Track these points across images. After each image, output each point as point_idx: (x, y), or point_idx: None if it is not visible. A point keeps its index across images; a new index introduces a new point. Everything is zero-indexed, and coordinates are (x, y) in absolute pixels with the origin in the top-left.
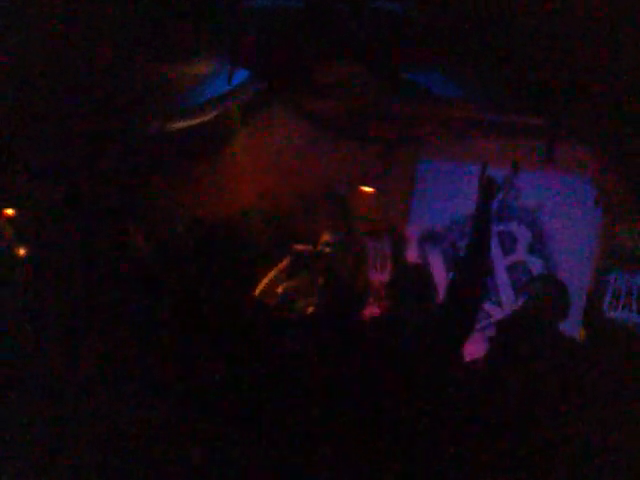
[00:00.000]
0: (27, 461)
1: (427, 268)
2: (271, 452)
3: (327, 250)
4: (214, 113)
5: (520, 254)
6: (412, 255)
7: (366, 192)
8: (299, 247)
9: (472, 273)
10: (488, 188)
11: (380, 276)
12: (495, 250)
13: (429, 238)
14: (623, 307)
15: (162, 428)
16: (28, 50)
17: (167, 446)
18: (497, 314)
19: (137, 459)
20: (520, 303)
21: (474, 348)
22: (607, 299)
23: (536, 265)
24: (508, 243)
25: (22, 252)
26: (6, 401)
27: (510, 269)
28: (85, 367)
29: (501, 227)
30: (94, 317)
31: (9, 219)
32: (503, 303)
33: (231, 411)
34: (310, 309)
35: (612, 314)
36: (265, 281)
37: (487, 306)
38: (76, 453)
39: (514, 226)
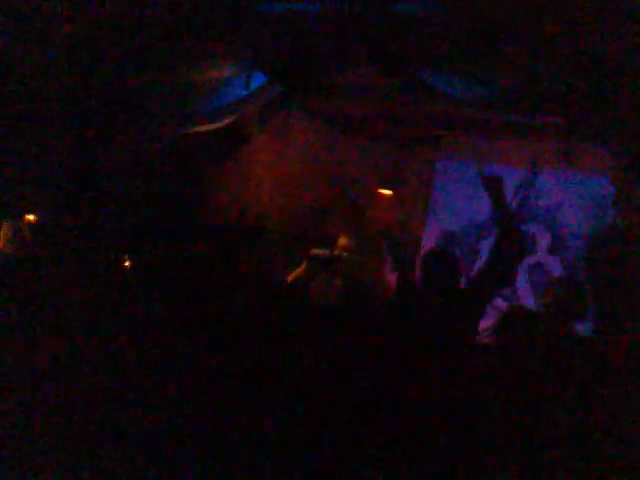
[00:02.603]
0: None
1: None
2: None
3: (344, 254)
4: (232, 117)
5: (540, 255)
6: None
7: (383, 194)
8: (316, 251)
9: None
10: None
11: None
12: None
13: (447, 240)
14: None
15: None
16: (48, 51)
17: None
18: None
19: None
20: (538, 304)
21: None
22: None
23: (555, 266)
24: (528, 244)
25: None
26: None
27: (529, 270)
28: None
29: (520, 228)
30: (115, 318)
31: (29, 224)
32: (522, 304)
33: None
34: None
35: None
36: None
37: (505, 307)
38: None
39: (534, 227)
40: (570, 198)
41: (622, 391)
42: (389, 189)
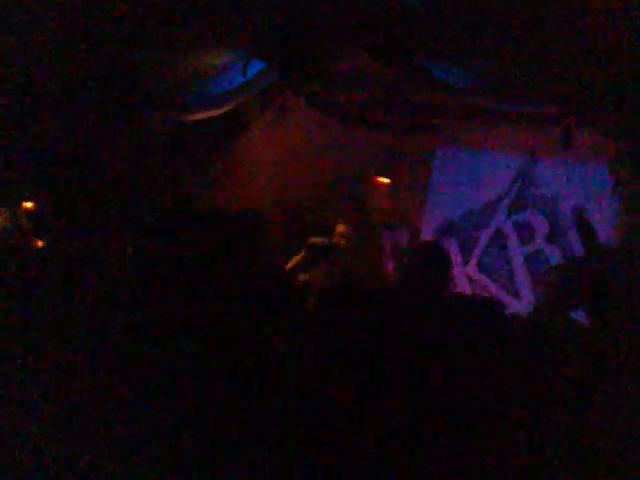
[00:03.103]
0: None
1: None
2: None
3: (342, 242)
4: (229, 105)
5: (538, 244)
6: None
7: (381, 182)
8: (314, 239)
9: None
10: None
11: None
12: (513, 240)
13: (445, 228)
14: None
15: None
16: (46, 40)
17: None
18: (514, 304)
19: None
20: (536, 292)
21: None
22: None
23: (554, 255)
24: (526, 233)
25: (39, 245)
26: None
27: (528, 259)
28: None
29: (519, 217)
30: (108, 309)
31: (27, 212)
32: (520, 293)
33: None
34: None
35: None
36: None
37: (505, 296)
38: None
39: (532, 215)
40: (569, 187)
41: (622, 384)
42: (387, 177)
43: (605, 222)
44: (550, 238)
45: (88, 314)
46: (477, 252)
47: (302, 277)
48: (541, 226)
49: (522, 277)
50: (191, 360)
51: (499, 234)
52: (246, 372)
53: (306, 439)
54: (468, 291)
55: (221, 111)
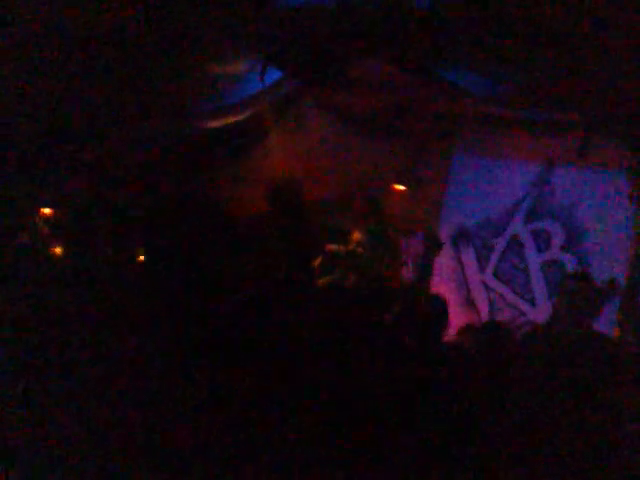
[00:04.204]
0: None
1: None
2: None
3: (359, 249)
4: (248, 112)
5: (554, 252)
6: (445, 254)
7: (399, 190)
8: (332, 246)
9: None
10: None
11: (413, 274)
12: (530, 248)
13: (462, 236)
14: None
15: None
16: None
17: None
18: (531, 312)
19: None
20: (553, 301)
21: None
22: None
23: (570, 263)
24: (543, 241)
25: (58, 250)
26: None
27: (544, 267)
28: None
29: (536, 225)
30: (126, 311)
31: (45, 218)
32: (537, 301)
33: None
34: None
35: None
36: None
37: (521, 304)
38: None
39: (549, 223)
40: (585, 195)
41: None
42: (404, 185)
43: (623, 230)
44: (566, 246)
45: (97, 311)
46: (493, 259)
47: (319, 282)
48: (558, 234)
49: (538, 285)
50: (198, 358)
51: (516, 242)
52: (251, 371)
53: (312, 439)
54: (484, 298)
55: (239, 118)
